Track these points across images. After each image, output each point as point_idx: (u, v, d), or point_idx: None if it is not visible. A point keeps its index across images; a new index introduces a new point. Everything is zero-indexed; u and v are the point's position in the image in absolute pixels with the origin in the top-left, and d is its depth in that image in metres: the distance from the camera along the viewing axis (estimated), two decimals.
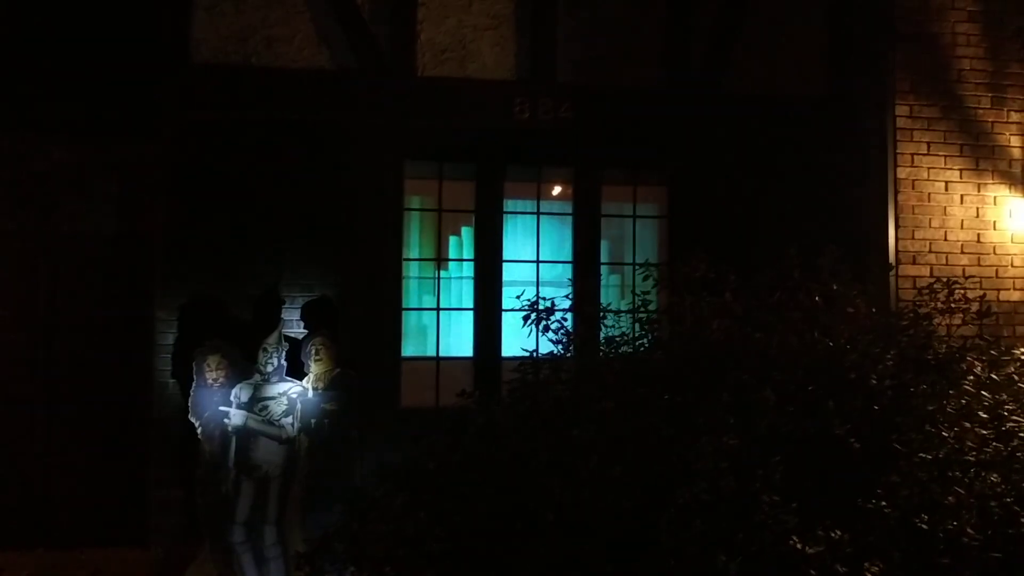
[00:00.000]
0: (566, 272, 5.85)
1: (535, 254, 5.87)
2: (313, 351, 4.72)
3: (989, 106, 5.75)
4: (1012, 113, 5.75)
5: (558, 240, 5.96)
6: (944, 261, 5.60)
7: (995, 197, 5.71)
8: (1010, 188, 5.72)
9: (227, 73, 5.43)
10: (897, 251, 5.57)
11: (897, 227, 5.60)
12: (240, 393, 4.58)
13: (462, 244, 5.88)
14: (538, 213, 5.92)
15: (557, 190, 6.03)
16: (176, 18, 5.43)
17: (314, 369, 4.70)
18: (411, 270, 5.78)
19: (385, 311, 5.58)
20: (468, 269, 5.80)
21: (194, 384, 4.66)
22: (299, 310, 5.42)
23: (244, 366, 4.69)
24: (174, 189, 5.39)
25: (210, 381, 4.61)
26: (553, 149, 5.85)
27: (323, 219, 5.50)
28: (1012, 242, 5.69)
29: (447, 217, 5.83)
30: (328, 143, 5.53)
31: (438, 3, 5.72)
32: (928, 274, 5.50)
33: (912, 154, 5.65)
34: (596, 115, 5.79)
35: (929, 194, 5.65)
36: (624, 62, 5.90)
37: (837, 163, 5.89)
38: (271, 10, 5.51)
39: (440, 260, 5.83)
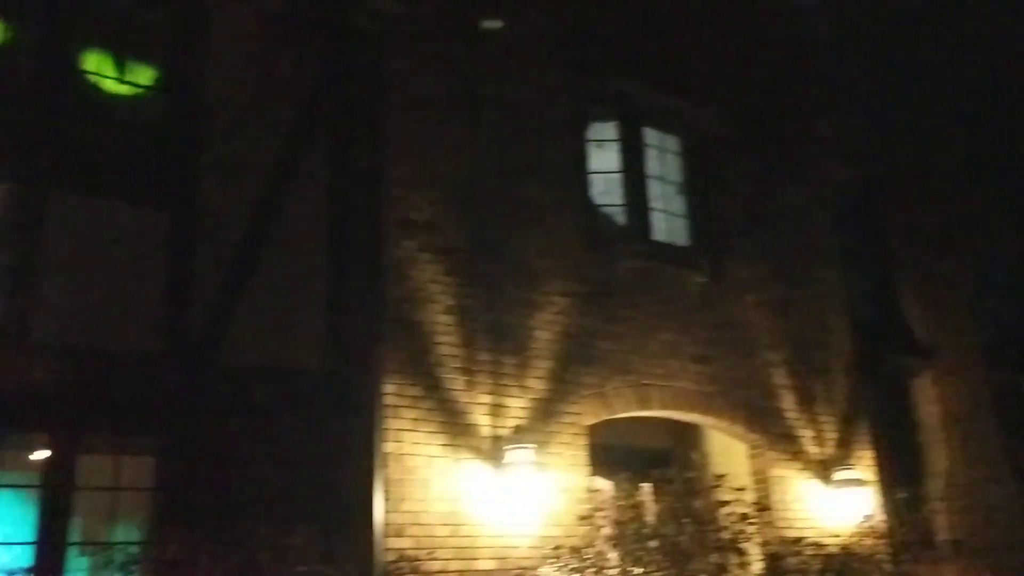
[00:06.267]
0: (26, 554, 5.06)
1: None
2: None
3: (464, 388, 6.42)
4: (482, 395, 6.48)
5: (18, 517, 5.18)
6: (428, 532, 5.88)
7: (471, 471, 6.24)
8: (483, 462, 6.31)
9: None
10: (385, 524, 5.75)
11: (386, 500, 5.82)
12: None
13: None
14: None
15: (27, 458, 5.34)
16: None
17: None
18: None
19: None
20: None
21: None
22: None
23: None
24: None
25: None
26: (24, 413, 5.23)
27: None
28: (485, 513, 6.19)
29: None
30: None
31: None
32: (412, 545, 5.73)
33: (398, 430, 6.02)
34: (78, 379, 5.35)
35: (414, 468, 6.01)
36: (118, 326, 5.62)
37: (338, 436, 6.05)
38: None
39: None
